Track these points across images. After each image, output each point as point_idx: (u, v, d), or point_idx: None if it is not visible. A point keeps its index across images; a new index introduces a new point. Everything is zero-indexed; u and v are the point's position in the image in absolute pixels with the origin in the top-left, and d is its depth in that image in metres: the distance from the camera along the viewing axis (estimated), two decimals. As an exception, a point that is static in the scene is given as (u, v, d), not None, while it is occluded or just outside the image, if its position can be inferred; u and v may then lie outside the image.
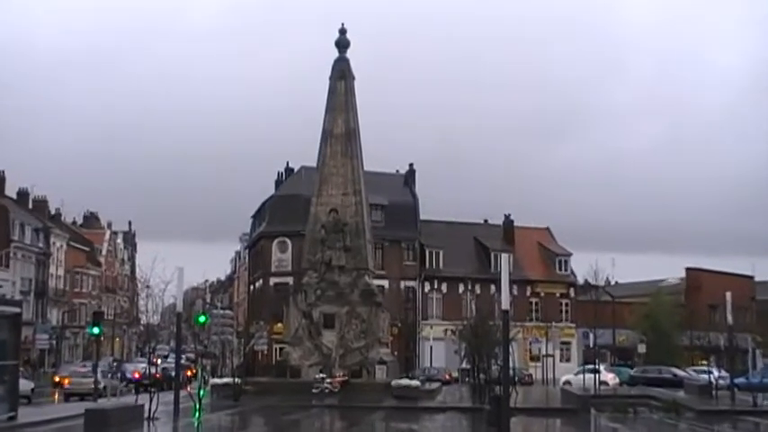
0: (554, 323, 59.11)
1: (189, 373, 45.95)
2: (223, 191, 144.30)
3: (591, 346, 53.03)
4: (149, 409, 22.85)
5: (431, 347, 57.07)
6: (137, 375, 39.27)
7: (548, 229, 73.81)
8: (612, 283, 76.68)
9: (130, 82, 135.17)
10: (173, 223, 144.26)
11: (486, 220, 72.94)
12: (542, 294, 66.85)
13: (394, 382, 33.80)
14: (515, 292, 60.29)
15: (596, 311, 51.44)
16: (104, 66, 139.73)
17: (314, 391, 32.93)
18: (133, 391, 31.90)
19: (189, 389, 31.92)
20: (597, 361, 45.08)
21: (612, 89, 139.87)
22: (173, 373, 30.33)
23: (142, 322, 44.06)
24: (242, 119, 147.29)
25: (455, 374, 52.29)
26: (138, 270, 43.27)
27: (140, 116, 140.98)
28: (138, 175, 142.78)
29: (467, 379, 46.72)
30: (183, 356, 68.70)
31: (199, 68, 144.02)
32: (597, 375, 39.42)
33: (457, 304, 60.24)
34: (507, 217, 70.76)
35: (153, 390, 24.24)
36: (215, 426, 24.64)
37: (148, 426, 22.30)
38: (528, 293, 66.18)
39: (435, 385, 39.56)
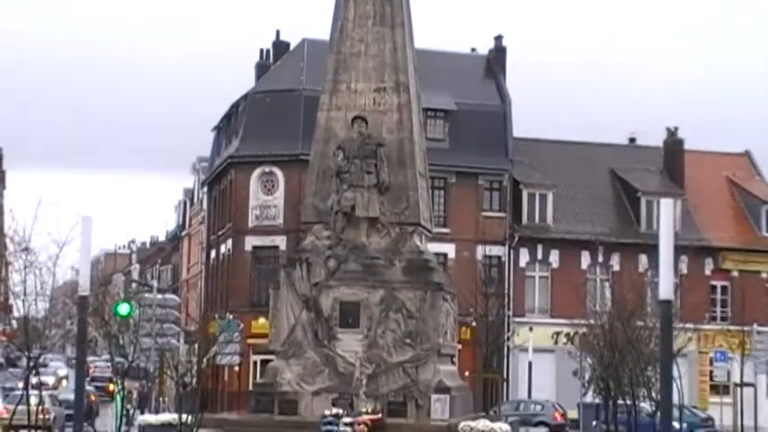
0: (757, 326, 58.87)
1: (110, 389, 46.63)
2: (162, 84, 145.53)
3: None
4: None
5: (529, 365, 57.54)
6: None
7: (746, 154, 73.91)
8: None
9: None
10: (72, 141, 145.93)
11: (632, 140, 73.18)
12: (735, 274, 66.96)
13: (463, 426, 34.12)
14: (685, 270, 60.33)
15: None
16: None
17: (322, 439, 33.36)
18: None
19: None
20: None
21: None
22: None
23: (15, 314, 44.65)
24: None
25: (573, 414, 52.91)
26: (8, 220, 43.86)
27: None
28: (9, 58, 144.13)
29: (595, 422, 46.99)
30: (90, 377, 69.21)
31: None
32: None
33: (577, 289, 60.22)
34: (672, 133, 70.58)
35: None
36: None
37: None
38: (709, 271, 66.37)
39: (538, 433, 39.83)
